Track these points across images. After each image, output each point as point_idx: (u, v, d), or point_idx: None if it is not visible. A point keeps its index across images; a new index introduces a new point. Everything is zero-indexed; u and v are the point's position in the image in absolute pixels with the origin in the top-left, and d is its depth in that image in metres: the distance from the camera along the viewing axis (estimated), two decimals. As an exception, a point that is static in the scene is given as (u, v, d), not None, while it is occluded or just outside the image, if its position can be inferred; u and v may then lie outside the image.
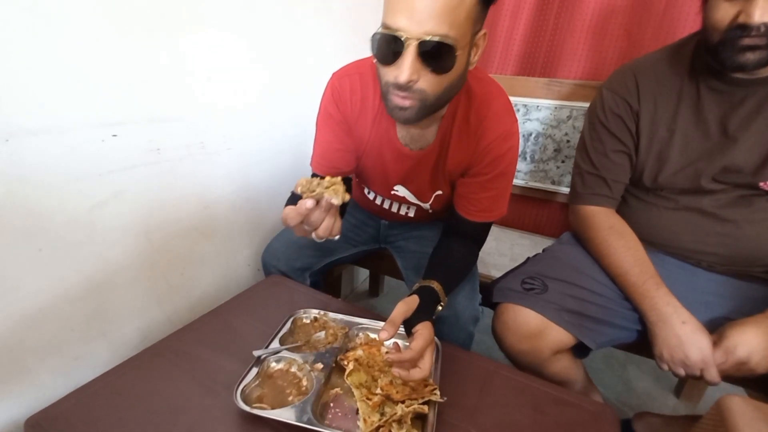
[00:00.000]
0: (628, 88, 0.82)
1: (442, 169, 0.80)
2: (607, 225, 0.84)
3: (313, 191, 0.54)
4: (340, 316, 0.78)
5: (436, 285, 0.70)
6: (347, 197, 0.55)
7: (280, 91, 1.01)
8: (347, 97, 0.76)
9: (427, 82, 0.59)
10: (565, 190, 1.24)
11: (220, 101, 0.86)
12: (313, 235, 0.58)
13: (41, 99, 0.58)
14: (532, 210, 1.36)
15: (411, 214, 0.95)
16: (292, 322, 0.76)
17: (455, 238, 0.82)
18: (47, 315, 0.65)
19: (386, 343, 0.72)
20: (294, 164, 1.11)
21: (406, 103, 0.61)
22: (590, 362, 1.32)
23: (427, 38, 0.54)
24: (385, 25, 0.57)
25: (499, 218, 0.81)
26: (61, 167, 0.61)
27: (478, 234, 0.83)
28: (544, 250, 0.97)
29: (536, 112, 1.22)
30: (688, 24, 1.10)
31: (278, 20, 0.95)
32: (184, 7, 0.74)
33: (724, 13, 0.65)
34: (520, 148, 1.28)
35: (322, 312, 0.79)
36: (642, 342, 0.80)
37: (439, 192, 0.85)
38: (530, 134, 1.26)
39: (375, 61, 0.63)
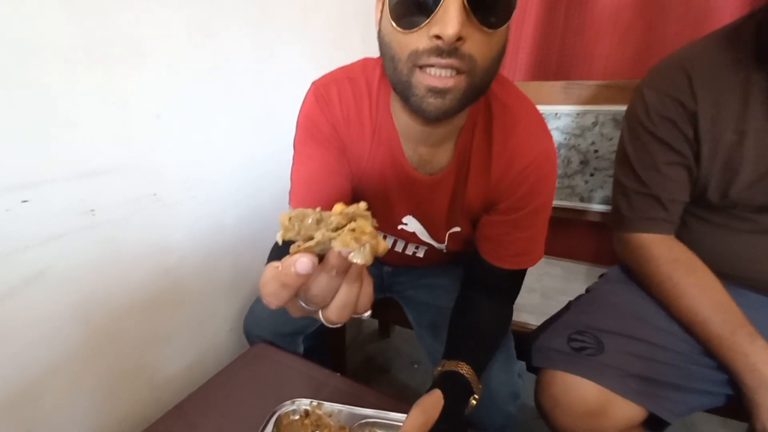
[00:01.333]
0: (678, 85, 0.65)
1: (460, 201, 0.62)
2: (669, 258, 0.66)
3: (310, 238, 0.28)
4: (338, 408, 0.60)
5: (465, 369, 0.53)
6: (383, 246, 0.28)
7: (253, 121, 0.85)
8: (337, 106, 0.58)
9: (476, 45, 0.42)
10: (598, 207, 1.07)
11: (176, 141, 0.70)
12: (321, 316, 0.31)
13: None
14: (560, 232, 1.18)
15: (420, 254, 0.77)
16: (275, 423, 0.58)
17: (482, 294, 0.65)
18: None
19: None
20: (276, 202, 0.95)
21: (449, 83, 0.43)
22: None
23: None
24: None
25: (535, 264, 0.63)
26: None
27: (511, 285, 0.66)
28: (588, 291, 0.79)
29: (555, 120, 1.06)
30: (724, 10, 0.93)
31: (245, 41, 0.80)
32: (122, 35, 0.59)
33: None
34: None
35: (315, 402, 0.60)
36: (734, 408, 0.62)
37: (456, 229, 0.67)
38: (551, 146, 1.09)
39: (388, 31, 0.45)
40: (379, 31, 0.48)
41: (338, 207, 0.29)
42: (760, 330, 0.58)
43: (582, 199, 1.08)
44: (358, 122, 0.59)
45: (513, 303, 0.67)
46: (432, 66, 0.43)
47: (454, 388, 0.52)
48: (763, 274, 0.65)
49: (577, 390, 0.61)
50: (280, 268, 0.27)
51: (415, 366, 1.36)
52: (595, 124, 1.02)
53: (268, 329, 0.77)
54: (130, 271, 0.66)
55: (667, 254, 0.66)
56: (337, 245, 0.27)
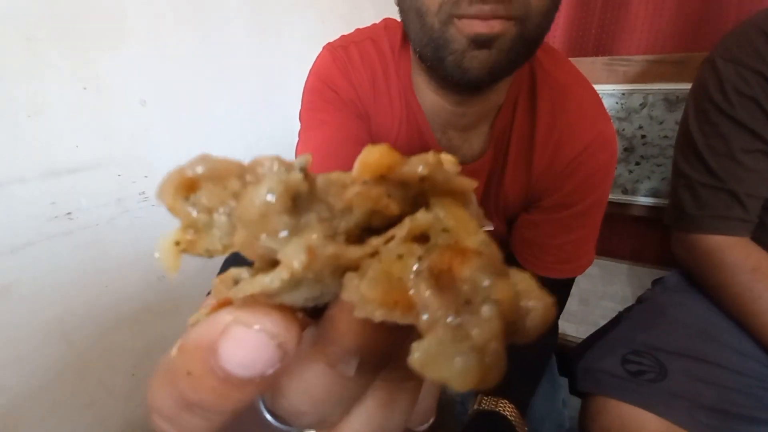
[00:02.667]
0: (762, 55, 0.53)
1: (494, 195, 0.52)
2: (748, 265, 0.55)
3: (269, 262, 0.10)
4: None
5: (508, 408, 0.45)
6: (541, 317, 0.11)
7: (253, 107, 0.76)
8: (360, 69, 0.47)
9: None
10: (644, 200, 0.94)
11: (165, 130, 0.62)
12: None
13: None
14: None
15: None
16: None
17: None
18: None
19: None
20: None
21: (496, 27, 0.34)
22: None
23: None
24: None
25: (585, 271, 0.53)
26: None
27: (558, 297, 0.55)
28: (641, 301, 0.68)
29: (595, 102, 0.94)
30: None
31: (242, 16, 0.71)
32: (97, 7, 0.51)
33: None
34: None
35: None
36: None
37: (489, 227, 0.57)
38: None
39: None
40: None
41: (372, 153, 0.10)
42: None
43: (625, 191, 0.96)
44: (386, 89, 0.48)
45: (558, 318, 0.57)
46: (474, 17, 0.33)
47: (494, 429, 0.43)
48: None
49: (636, 423, 0.51)
50: (175, 353, 0.11)
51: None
52: (643, 105, 0.89)
53: None
54: (117, 280, 0.59)
55: (745, 261, 0.55)
56: (363, 299, 0.09)
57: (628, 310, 0.66)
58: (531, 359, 0.53)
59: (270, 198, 0.09)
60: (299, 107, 0.50)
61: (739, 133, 0.55)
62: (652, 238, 1.02)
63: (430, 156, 0.10)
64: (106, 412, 0.61)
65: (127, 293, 0.61)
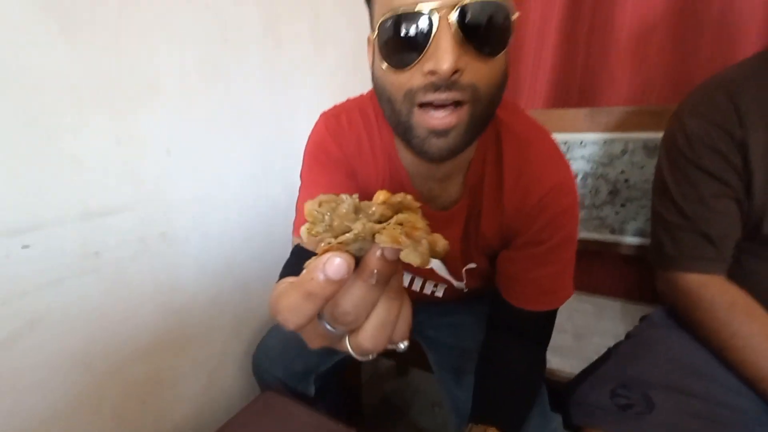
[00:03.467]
0: (722, 111, 0.60)
1: (474, 236, 0.58)
2: (725, 302, 0.59)
3: (343, 233, 0.23)
4: None
5: None
6: (442, 244, 0.23)
7: (266, 155, 0.83)
8: (347, 134, 0.55)
9: (476, 74, 0.39)
10: (631, 240, 0.99)
11: (186, 177, 0.68)
12: (350, 344, 0.25)
13: None
14: (589, 266, 1.10)
15: (439, 293, 0.71)
16: None
17: (510, 338, 0.59)
18: None
19: None
20: (289, 238, 0.91)
21: (451, 121, 0.41)
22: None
23: (469, 0, 0.36)
24: (393, 8, 0.38)
25: (564, 302, 0.57)
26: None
27: (540, 329, 0.59)
28: (629, 336, 0.71)
29: (580, 149, 1.01)
30: (761, 32, 0.88)
31: (257, 75, 0.79)
32: (134, 72, 0.58)
33: None
34: (564, 192, 1.06)
35: None
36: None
37: (472, 265, 0.63)
38: (576, 175, 1.03)
39: (381, 73, 0.43)
40: (373, 74, 0.47)
41: (381, 195, 0.24)
42: None
43: (613, 231, 1.01)
44: (369, 150, 0.56)
45: (545, 348, 0.61)
46: (431, 103, 0.40)
47: None
48: (837, 322, 0.57)
49: (626, 456, 0.53)
50: (302, 274, 0.22)
51: (436, 409, 1.27)
52: (624, 152, 0.96)
53: (280, 364, 0.72)
54: (135, 313, 0.63)
55: (721, 298, 0.59)
56: (383, 241, 0.21)
57: (617, 345, 0.69)
58: (518, 389, 0.56)
59: (349, 207, 0.23)
60: (303, 152, 0.58)
61: (707, 180, 0.61)
62: (641, 276, 1.06)
63: (402, 195, 0.24)
64: (115, 445, 0.63)
65: (143, 326, 0.64)
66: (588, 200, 1.03)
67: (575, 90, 1.07)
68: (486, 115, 0.43)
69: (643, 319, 0.74)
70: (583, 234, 1.05)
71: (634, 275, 1.07)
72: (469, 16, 0.36)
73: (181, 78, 0.65)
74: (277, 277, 0.55)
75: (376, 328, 0.23)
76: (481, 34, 0.37)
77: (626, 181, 0.97)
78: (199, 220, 0.71)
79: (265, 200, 0.84)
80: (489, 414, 0.52)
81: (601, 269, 1.10)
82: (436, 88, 0.39)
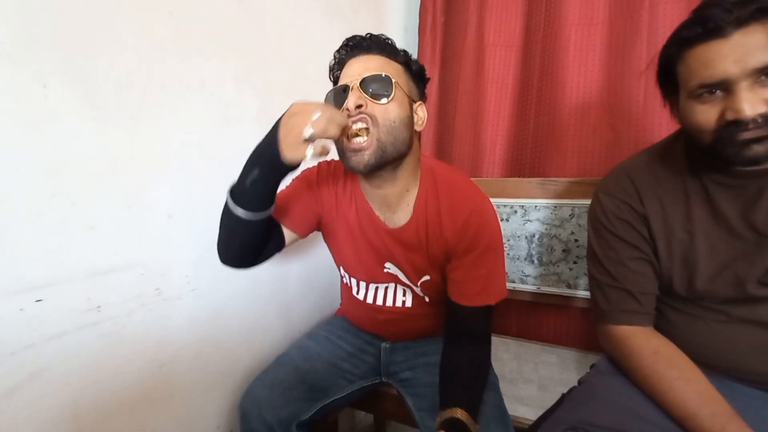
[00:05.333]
0: (626, 190, 0.73)
1: (425, 253, 0.78)
2: (649, 350, 0.68)
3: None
4: None
5: (459, 413, 0.63)
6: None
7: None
8: (329, 180, 0.82)
9: (374, 109, 0.66)
10: (584, 293, 1.10)
11: (183, 239, 0.76)
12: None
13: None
14: (550, 318, 1.20)
15: (408, 303, 0.85)
16: None
17: (459, 342, 0.75)
18: None
19: None
20: (275, 293, 0.98)
21: (362, 143, 0.66)
22: None
23: (366, 75, 0.67)
24: (334, 86, 0.71)
25: (500, 299, 0.75)
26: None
27: (481, 325, 0.75)
28: (580, 382, 0.79)
29: (535, 212, 1.14)
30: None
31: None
32: (144, 150, 0.69)
33: (706, 115, 0.59)
34: (525, 251, 1.17)
35: None
36: None
37: (427, 277, 0.81)
38: (533, 235, 1.16)
39: None
40: None
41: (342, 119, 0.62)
42: (755, 425, 0.58)
43: (569, 286, 1.12)
44: (343, 192, 0.81)
45: (488, 343, 0.77)
46: (351, 137, 0.66)
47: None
48: (744, 365, 0.67)
49: (576, 493, 0.58)
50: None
51: (413, 467, 1.26)
52: (572, 216, 1.10)
53: (267, 408, 0.76)
54: (125, 367, 0.67)
55: (646, 347, 0.69)
56: None
57: (570, 391, 0.77)
58: (470, 378, 0.71)
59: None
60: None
61: (623, 246, 0.73)
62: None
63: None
64: (92, 503, 0.64)
65: (131, 380, 0.68)
66: (545, 257, 1.15)
67: (527, 163, 1.24)
68: (389, 138, 0.67)
69: (592, 367, 0.82)
70: (543, 288, 1.15)
71: (591, 326, 1.16)
72: (366, 82, 0.66)
73: (185, 154, 0.76)
74: (259, 335, 0.75)
75: None
76: (371, 88, 0.66)
77: (576, 240, 1.10)
78: (192, 278, 0.78)
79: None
80: (452, 400, 0.66)
81: (562, 321, 1.19)
82: (350, 116, 0.65)
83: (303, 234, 0.81)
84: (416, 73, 0.74)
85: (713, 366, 0.68)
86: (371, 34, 0.71)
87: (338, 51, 0.73)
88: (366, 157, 0.66)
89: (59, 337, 0.58)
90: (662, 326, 0.72)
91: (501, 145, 1.26)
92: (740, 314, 0.67)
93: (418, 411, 0.80)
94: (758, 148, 0.57)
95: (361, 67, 0.68)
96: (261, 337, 0.71)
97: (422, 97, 0.77)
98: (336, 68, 0.74)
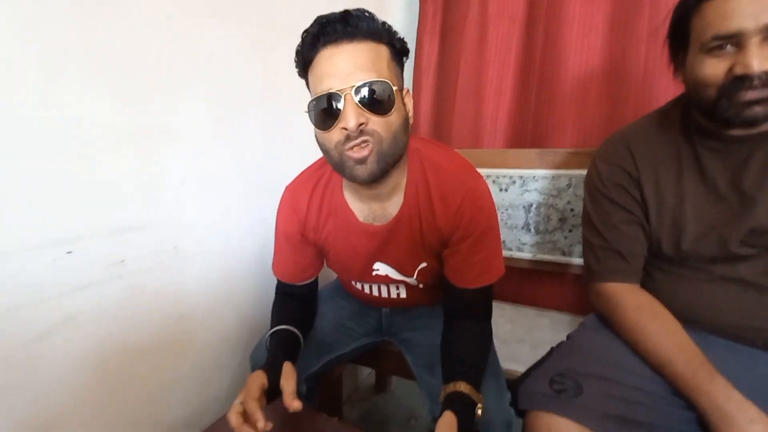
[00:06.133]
0: (622, 156, 0.77)
1: (420, 241, 0.74)
2: (633, 304, 0.73)
3: None
4: None
5: (464, 387, 0.63)
6: None
7: (264, 188, 0.97)
8: (303, 208, 0.76)
9: (376, 124, 0.58)
10: (578, 260, 1.15)
11: (197, 203, 0.80)
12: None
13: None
14: (545, 284, 1.25)
15: (403, 294, 0.86)
16: None
17: (460, 321, 0.74)
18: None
19: None
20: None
21: (365, 152, 0.58)
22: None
23: (360, 83, 0.55)
24: (317, 93, 0.58)
25: (499, 278, 0.73)
26: (-4, 298, 0.53)
27: (482, 304, 0.75)
28: (568, 337, 0.84)
29: (533, 182, 1.18)
30: (671, 85, 1.09)
31: (259, 120, 0.94)
32: (157, 119, 0.72)
33: (714, 69, 0.61)
34: (522, 220, 1.22)
35: None
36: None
37: (424, 264, 0.78)
38: (531, 205, 1.19)
39: (317, 131, 0.61)
40: (315, 135, 0.64)
41: None
42: (726, 372, 0.62)
43: (564, 253, 1.17)
44: (317, 211, 0.76)
45: (489, 319, 0.76)
46: (351, 149, 0.59)
47: (460, 405, 0.61)
48: (720, 319, 0.72)
49: (559, 430, 0.64)
50: None
51: (413, 422, 1.35)
52: (569, 186, 1.13)
53: None
54: (146, 317, 0.73)
55: (632, 302, 0.74)
56: None
57: (558, 345, 0.82)
58: (473, 353, 0.71)
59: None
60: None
61: (617, 210, 0.77)
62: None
63: None
64: (122, 436, 0.71)
65: (152, 330, 0.74)
66: (542, 226, 1.19)
67: (528, 134, 1.26)
68: (391, 150, 0.61)
69: (580, 324, 0.88)
70: (539, 256, 1.20)
71: (583, 291, 1.21)
72: (362, 93, 0.56)
73: (196, 125, 0.79)
74: (267, 297, 0.78)
75: None
76: (373, 102, 0.57)
77: (572, 210, 1.14)
78: (205, 239, 0.83)
79: (259, 225, 0.97)
80: (455, 375, 0.65)
81: (556, 287, 1.25)
82: (351, 138, 0.57)
83: (319, 269, 0.85)
84: (400, 52, 0.64)
85: (694, 321, 0.73)
86: (350, 11, 0.56)
87: (311, 33, 0.57)
88: (369, 167, 0.60)
89: (88, 287, 0.63)
90: (648, 286, 0.77)
91: (502, 117, 1.28)
92: (722, 273, 0.72)
93: (417, 367, 0.86)
94: (758, 110, 0.60)
95: (348, 63, 0.56)
96: (269, 297, 0.76)
97: (402, 74, 0.66)
98: (306, 53, 0.59)
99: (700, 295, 0.74)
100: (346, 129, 0.56)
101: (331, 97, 0.56)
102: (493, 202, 0.73)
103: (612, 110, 1.16)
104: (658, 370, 0.68)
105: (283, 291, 0.83)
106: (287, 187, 0.78)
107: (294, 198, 0.76)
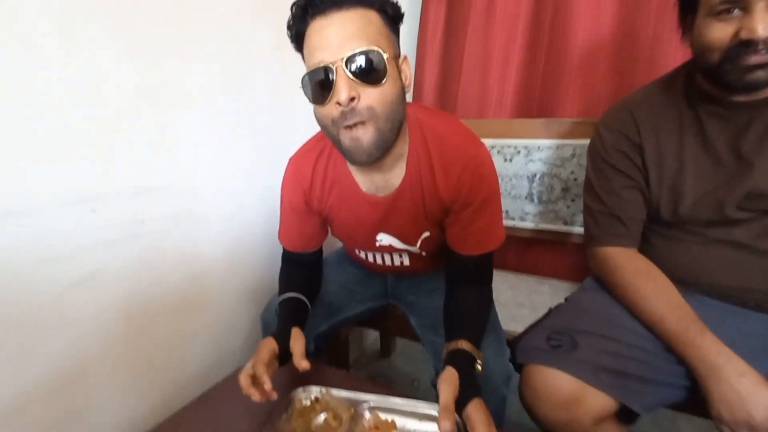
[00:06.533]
0: (625, 123, 0.78)
1: (423, 212, 0.76)
2: (630, 267, 0.76)
3: None
4: (344, 393, 0.68)
5: (464, 344, 0.65)
6: None
7: (274, 153, 0.99)
8: (307, 178, 0.76)
9: (370, 97, 0.57)
10: (579, 230, 1.17)
11: (209, 167, 0.83)
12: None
13: (14, 179, 0.54)
14: (547, 253, 1.28)
15: (406, 262, 0.89)
16: (291, 406, 0.66)
17: (462, 285, 0.77)
18: (13, 421, 0.57)
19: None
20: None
21: (359, 132, 0.58)
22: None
23: (350, 53, 0.54)
24: (310, 69, 0.58)
25: (500, 245, 0.75)
26: (29, 251, 0.57)
27: (483, 269, 0.77)
28: (566, 299, 0.88)
29: (538, 152, 1.19)
30: (678, 57, 1.09)
31: (267, 86, 0.95)
32: (171, 82, 0.74)
33: (721, 33, 0.62)
34: (526, 190, 1.24)
35: (324, 389, 0.69)
36: (694, 400, 0.69)
37: (427, 234, 0.80)
38: (534, 175, 1.21)
39: (314, 107, 0.61)
40: (314, 111, 0.64)
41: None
42: (717, 330, 0.66)
43: (565, 223, 1.19)
44: (321, 181, 0.77)
45: (490, 283, 0.79)
46: (347, 127, 0.58)
47: (462, 361, 0.63)
48: (713, 280, 0.75)
49: (555, 381, 0.68)
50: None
51: (415, 383, 1.42)
52: (573, 155, 1.15)
53: None
54: (166, 275, 0.77)
55: (629, 264, 0.76)
56: None
57: (557, 306, 0.86)
58: (474, 314, 0.74)
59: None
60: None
61: (618, 176, 0.79)
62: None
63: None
64: (145, 382, 0.77)
65: (171, 287, 0.78)
66: (545, 196, 1.21)
67: (535, 104, 1.26)
68: (388, 125, 0.60)
69: (578, 286, 0.91)
70: (541, 225, 1.23)
71: (583, 260, 1.24)
72: (353, 62, 0.55)
73: (207, 87, 0.81)
74: (275, 260, 0.83)
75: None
76: (365, 72, 0.56)
77: (575, 179, 1.16)
78: (218, 203, 0.86)
79: (270, 190, 0.99)
80: (457, 333, 0.68)
81: (557, 256, 1.28)
82: (344, 116, 0.57)
83: (324, 238, 0.86)
84: (393, 17, 0.61)
85: (688, 283, 0.76)
86: None
87: (299, 5, 0.58)
88: (366, 148, 0.60)
89: (111, 243, 0.67)
90: (645, 250, 0.80)
91: (509, 86, 1.28)
92: (716, 236, 0.74)
93: (420, 327, 0.90)
94: (761, 74, 0.61)
95: (338, 33, 0.55)
96: (279, 261, 0.79)
97: (397, 40, 0.64)
98: (297, 26, 0.59)
99: (695, 258, 0.76)
100: (339, 103, 0.56)
101: (323, 70, 0.56)
102: (494, 171, 0.73)
103: (620, 81, 1.16)
104: (651, 327, 0.72)
105: (289, 259, 0.86)
106: (291, 159, 0.79)
107: (298, 169, 0.77)
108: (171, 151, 0.75)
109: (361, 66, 0.55)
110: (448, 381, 0.59)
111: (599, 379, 0.67)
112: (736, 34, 0.61)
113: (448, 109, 1.38)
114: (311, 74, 0.57)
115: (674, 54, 1.08)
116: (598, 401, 0.67)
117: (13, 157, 0.54)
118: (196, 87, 0.78)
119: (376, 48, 0.56)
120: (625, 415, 0.71)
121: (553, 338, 0.74)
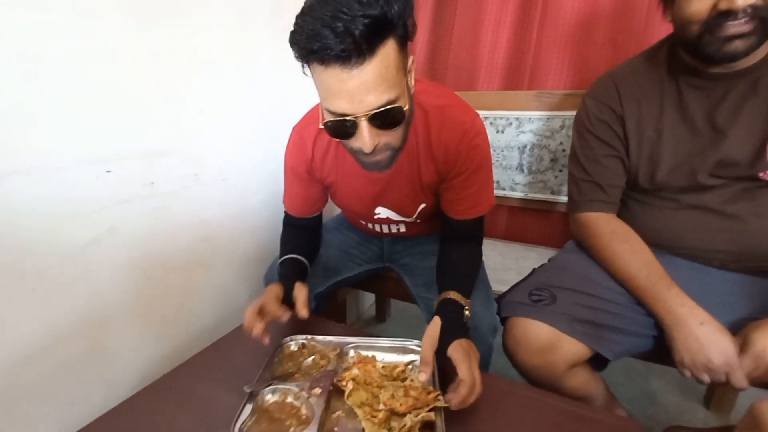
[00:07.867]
0: (609, 94, 0.82)
1: (419, 184, 0.80)
2: (608, 230, 0.82)
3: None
4: (328, 338, 0.75)
5: (453, 294, 0.70)
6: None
7: (276, 122, 1.02)
8: (309, 149, 0.79)
9: (389, 136, 0.61)
10: (565, 199, 1.22)
11: (214, 133, 0.87)
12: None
13: (34, 139, 0.58)
14: (535, 222, 1.34)
15: (402, 229, 0.95)
16: (280, 351, 0.73)
17: (454, 243, 0.82)
18: (40, 358, 0.63)
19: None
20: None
21: (378, 157, 0.63)
22: (610, 376, 1.25)
23: (374, 111, 0.55)
24: (329, 111, 0.58)
25: (490, 209, 0.81)
26: (54, 206, 0.61)
27: (474, 231, 0.83)
28: (549, 260, 0.94)
29: (528, 124, 1.23)
30: (671, 30, 1.11)
31: (270, 58, 0.98)
32: (178, 50, 0.77)
33: (699, 5, 0.65)
34: (516, 161, 1.28)
35: (309, 337, 0.76)
36: (661, 349, 0.76)
37: (423, 205, 0.85)
38: (525, 146, 1.26)
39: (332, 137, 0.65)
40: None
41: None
42: (684, 286, 0.71)
43: (553, 192, 1.25)
44: (323, 152, 0.80)
45: (480, 244, 0.86)
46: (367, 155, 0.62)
47: (448, 309, 0.69)
48: (684, 242, 0.81)
49: (534, 331, 0.75)
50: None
51: (408, 344, 1.51)
52: (562, 127, 1.19)
53: None
54: (176, 236, 0.82)
55: (606, 228, 0.82)
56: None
57: (540, 266, 0.93)
58: (462, 269, 0.80)
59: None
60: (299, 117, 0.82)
61: (600, 144, 0.83)
62: (575, 229, 1.30)
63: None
64: (159, 333, 0.83)
65: (181, 247, 0.84)
66: (534, 166, 1.26)
67: (526, 76, 1.29)
68: (403, 141, 0.66)
69: (561, 249, 0.98)
70: (530, 195, 1.28)
71: (568, 228, 1.30)
72: (376, 118, 0.57)
73: (211, 54, 0.84)
74: (278, 222, 0.88)
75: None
76: (386, 123, 0.58)
77: (563, 150, 1.20)
78: (223, 168, 0.90)
79: (273, 157, 1.03)
80: (446, 286, 0.73)
81: (545, 224, 1.34)
82: (365, 154, 0.61)
83: (325, 204, 0.91)
84: (409, 35, 0.58)
85: (661, 245, 0.82)
86: (356, 29, 0.48)
87: (303, 48, 0.54)
88: (383, 166, 0.66)
89: (125, 203, 0.72)
90: (625, 215, 0.86)
91: (500, 56, 1.29)
92: (689, 201, 0.80)
93: (415, 287, 0.97)
94: (739, 44, 0.64)
95: (359, 88, 0.53)
96: (281, 224, 0.84)
97: (407, 49, 0.60)
98: (306, 58, 0.55)
99: (668, 221, 0.82)
100: (362, 152, 0.60)
101: (346, 122, 0.57)
102: (487, 139, 0.77)
103: (613, 54, 1.18)
104: (623, 283, 0.78)
105: (291, 223, 0.91)
106: (294, 127, 0.82)
107: (301, 139, 0.80)
108: (178, 116, 0.78)
109: (382, 119, 0.57)
110: (429, 333, 0.65)
111: (574, 328, 0.74)
112: (715, 5, 0.64)
113: (438, 79, 1.39)
114: (335, 123, 0.58)
115: (668, 28, 1.10)
116: (571, 348, 0.74)
117: (38, 117, 0.58)
118: (200, 54, 0.81)
119: (398, 104, 0.57)
120: (596, 362, 0.79)
121: (534, 294, 0.81)
